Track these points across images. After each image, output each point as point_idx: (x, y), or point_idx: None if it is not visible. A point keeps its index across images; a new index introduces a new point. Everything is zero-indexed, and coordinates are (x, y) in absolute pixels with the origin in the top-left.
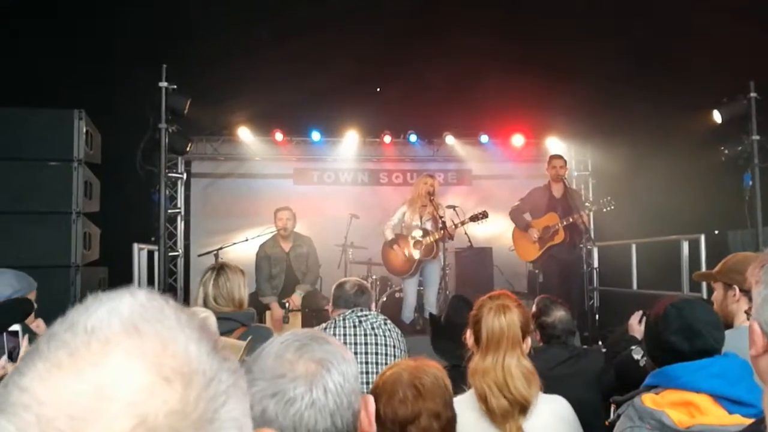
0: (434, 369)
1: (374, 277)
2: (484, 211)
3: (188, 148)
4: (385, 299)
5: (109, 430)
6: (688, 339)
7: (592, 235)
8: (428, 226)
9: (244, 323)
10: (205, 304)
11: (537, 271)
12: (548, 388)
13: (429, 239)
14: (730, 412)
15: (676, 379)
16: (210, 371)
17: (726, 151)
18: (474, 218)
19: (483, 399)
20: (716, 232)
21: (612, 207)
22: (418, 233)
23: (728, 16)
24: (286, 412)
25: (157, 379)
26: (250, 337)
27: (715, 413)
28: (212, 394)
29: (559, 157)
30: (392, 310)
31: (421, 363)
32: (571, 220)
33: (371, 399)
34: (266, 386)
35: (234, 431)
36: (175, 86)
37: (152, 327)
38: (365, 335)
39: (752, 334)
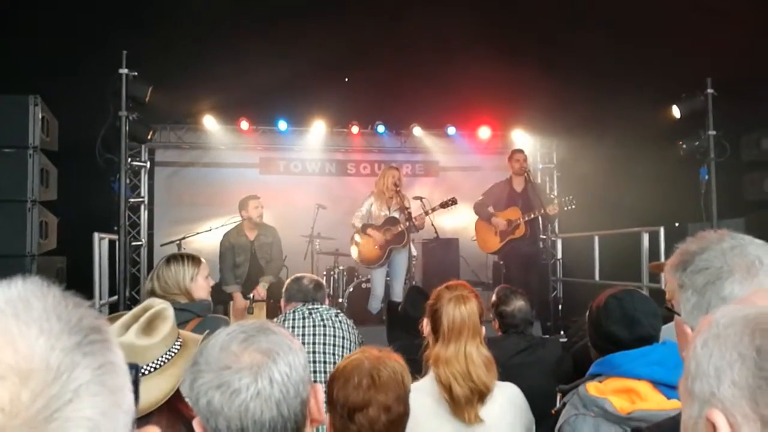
0: (395, 363)
1: (341, 267)
2: (453, 197)
3: (150, 137)
4: (351, 289)
5: None
6: (627, 327)
7: (556, 228)
8: (397, 215)
9: (199, 314)
10: (154, 296)
11: (501, 262)
12: (507, 377)
13: (400, 227)
14: (668, 398)
15: (618, 367)
16: (59, 368)
17: (684, 146)
18: (444, 205)
19: (447, 388)
20: (677, 224)
21: (573, 206)
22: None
23: (687, 15)
24: (231, 403)
25: None
26: (207, 331)
27: (654, 399)
28: (55, 392)
29: (521, 151)
30: (359, 300)
31: (386, 354)
32: (533, 215)
33: (320, 388)
34: (212, 378)
35: (82, 431)
36: (136, 73)
37: (3, 321)
38: (314, 326)
39: (685, 336)
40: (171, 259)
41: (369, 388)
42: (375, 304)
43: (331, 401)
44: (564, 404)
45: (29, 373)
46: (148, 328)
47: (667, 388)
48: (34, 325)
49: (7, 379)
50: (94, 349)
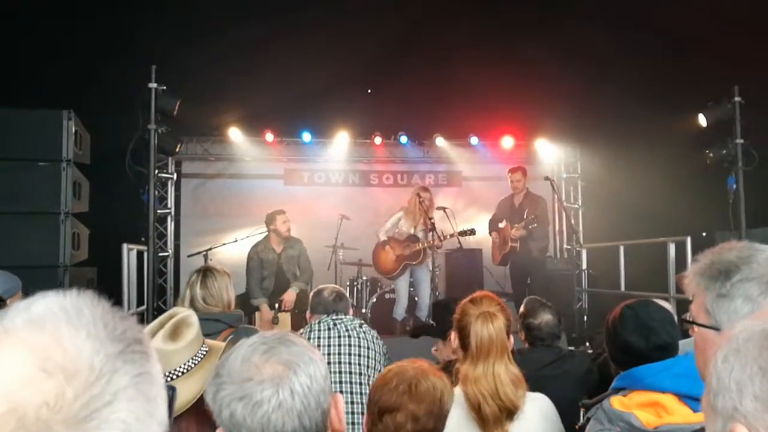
0: (438, 379)
1: (364, 278)
2: (473, 228)
3: (178, 149)
4: (375, 300)
5: None
6: (643, 336)
7: (581, 238)
8: (420, 234)
9: (231, 324)
10: (193, 306)
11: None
12: (535, 389)
13: (418, 246)
14: (694, 411)
15: (642, 381)
16: (102, 370)
17: (711, 155)
18: (462, 234)
19: (476, 407)
20: (704, 234)
21: (534, 225)
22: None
23: (715, 24)
24: (253, 414)
25: (36, 371)
26: (229, 338)
27: (680, 412)
28: (96, 393)
29: (516, 170)
30: (382, 310)
31: (431, 370)
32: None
33: (341, 398)
34: (234, 390)
35: None
36: (165, 87)
37: (56, 324)
38: (339, 337)
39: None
40: (213, 270)
41: (403, 393)
42: (399, 311)
43: (369, 400)
44: (588, 419)
45: (75, 373)
46: (174, 333)
47: (693, 400)
48: (83, 329)
49: (55, 376)
50: (135, 358)
